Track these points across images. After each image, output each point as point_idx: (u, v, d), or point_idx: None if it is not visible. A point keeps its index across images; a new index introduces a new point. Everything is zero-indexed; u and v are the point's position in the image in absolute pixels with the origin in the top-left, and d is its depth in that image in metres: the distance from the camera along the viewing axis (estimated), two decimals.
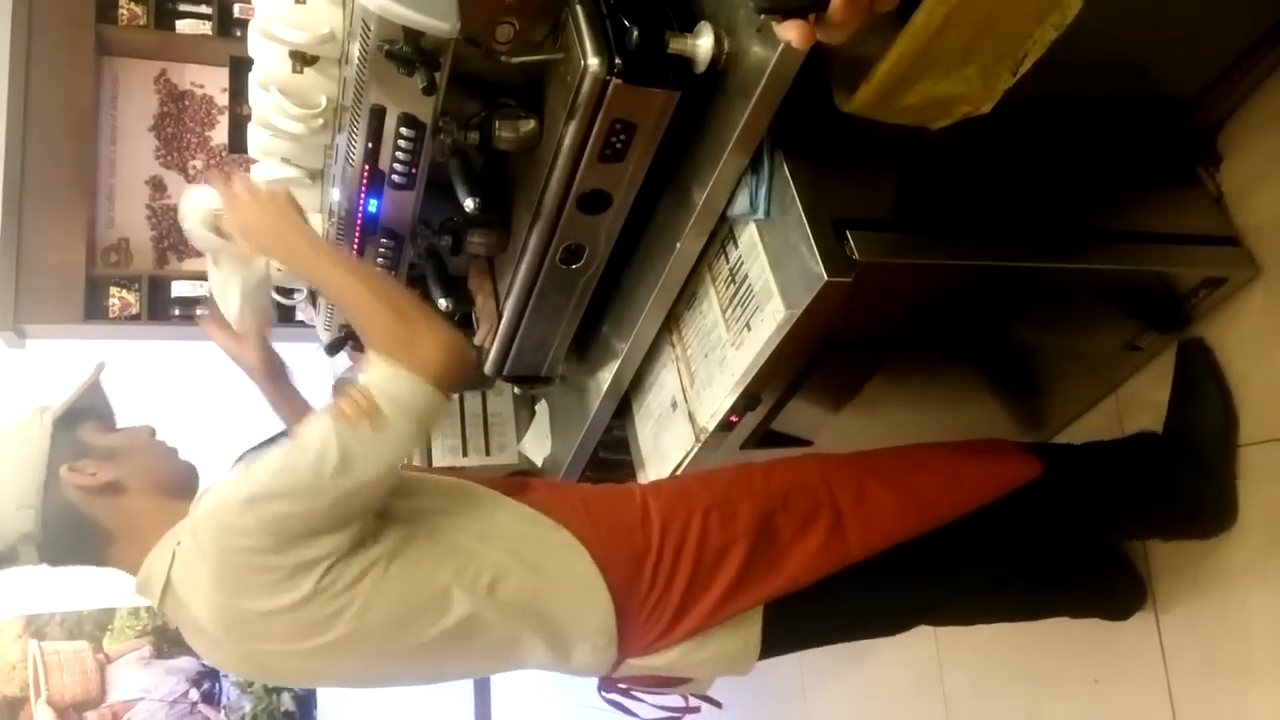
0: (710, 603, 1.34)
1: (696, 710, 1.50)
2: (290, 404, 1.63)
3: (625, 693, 1.45)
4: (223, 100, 4.32)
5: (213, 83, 4.42)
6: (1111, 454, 1.70)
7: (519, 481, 1.49)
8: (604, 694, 1.47)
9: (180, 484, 1.36)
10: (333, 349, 1.87)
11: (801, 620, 1.43)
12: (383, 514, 1.27)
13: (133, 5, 4.29)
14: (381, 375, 1.20)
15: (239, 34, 3.53)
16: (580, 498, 1.44)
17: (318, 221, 1.69)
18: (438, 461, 2.20)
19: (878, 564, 1.41)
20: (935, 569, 1.49)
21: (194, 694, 5.18)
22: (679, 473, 1.64)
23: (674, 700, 1.48)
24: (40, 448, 1.28)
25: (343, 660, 1.27)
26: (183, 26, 4.34)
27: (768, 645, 1.40)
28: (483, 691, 5.06)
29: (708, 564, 1.35)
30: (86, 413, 1.36)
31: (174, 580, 1.25)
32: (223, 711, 5.19)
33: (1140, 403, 1.82)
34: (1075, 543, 1.65)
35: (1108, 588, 1.84)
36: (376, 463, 1.19)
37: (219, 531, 1.20)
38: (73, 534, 1.29)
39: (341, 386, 1.27)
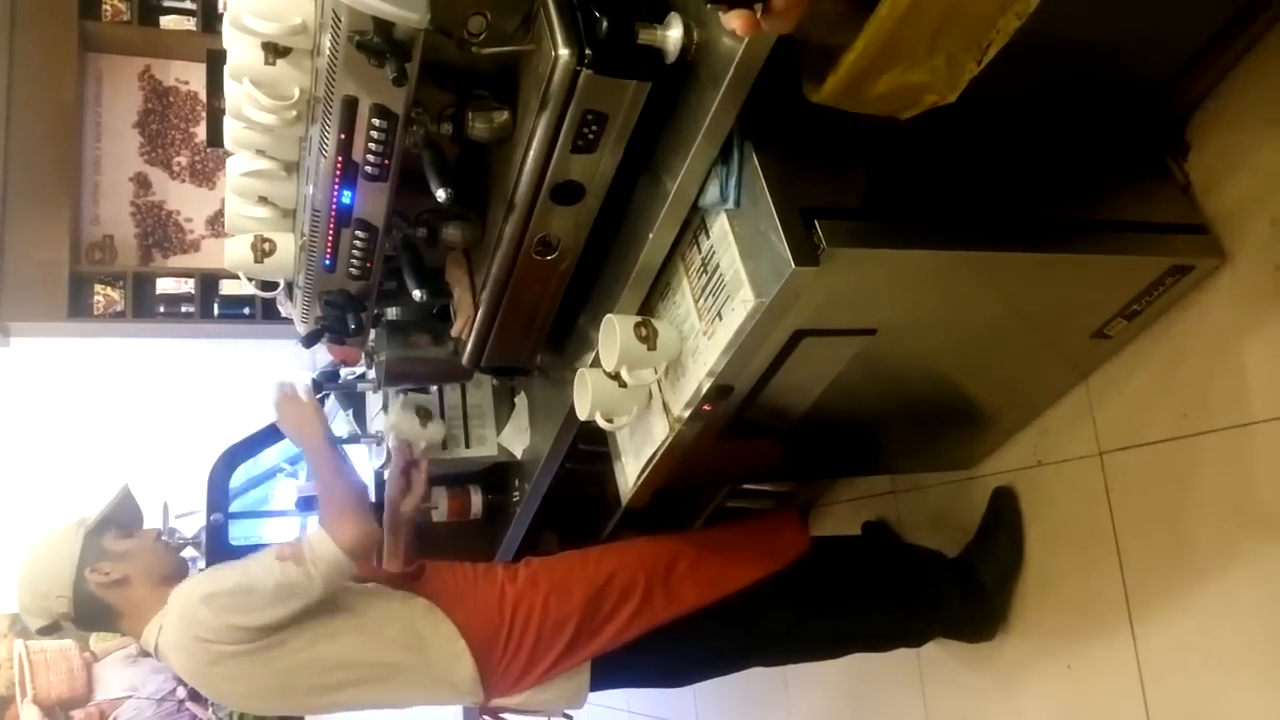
0: (549, 661, 1.86)
1: None
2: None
3: (496, 716, 2.00)
4: (206, 97, 4.31)
5: (197, 79, 4.41)
6: (897, 558, 2.18)
7: (416, 571, 2.00)
8: (482, 716, 2.02)
9: (173, 575, 1.90)
10: (309, 340, 1.88)
11: (621, 669, 1.94)
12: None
13: (116, 1, 4.28)
14: (317, 537, 1.76)
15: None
16: (455, 585, 1.95)
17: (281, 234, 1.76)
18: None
19: (680, 626, 1.91)
20: (726, 627, 1.96)
21: (181, 691, 5.17)
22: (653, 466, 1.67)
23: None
24: (73, 554, 1.84)
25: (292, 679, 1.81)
26: (167, 22, 4.33)
27: (595, 686, 1.92)
28: None
29: (547, 633, 1.87)
30: (111, 522, 1.92)
31: (160, 646, 1.81)
32: (210, 709, 5.19)
33: (1111, 391, 1.84)
34: (841, 616, 2.06)
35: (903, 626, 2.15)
36: (293, 590, 1.73)
37: (187, 619, 1.77)
38: (94, 612, 1.85)
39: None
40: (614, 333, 1.50)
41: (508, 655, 1.86)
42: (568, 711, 2.02)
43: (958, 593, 2.06)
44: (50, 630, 1.88)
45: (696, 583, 1.94)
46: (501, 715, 1.97)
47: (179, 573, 1.93)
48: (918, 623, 2.10)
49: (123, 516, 1.96)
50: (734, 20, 0.85)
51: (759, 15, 0.86)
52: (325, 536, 1.75)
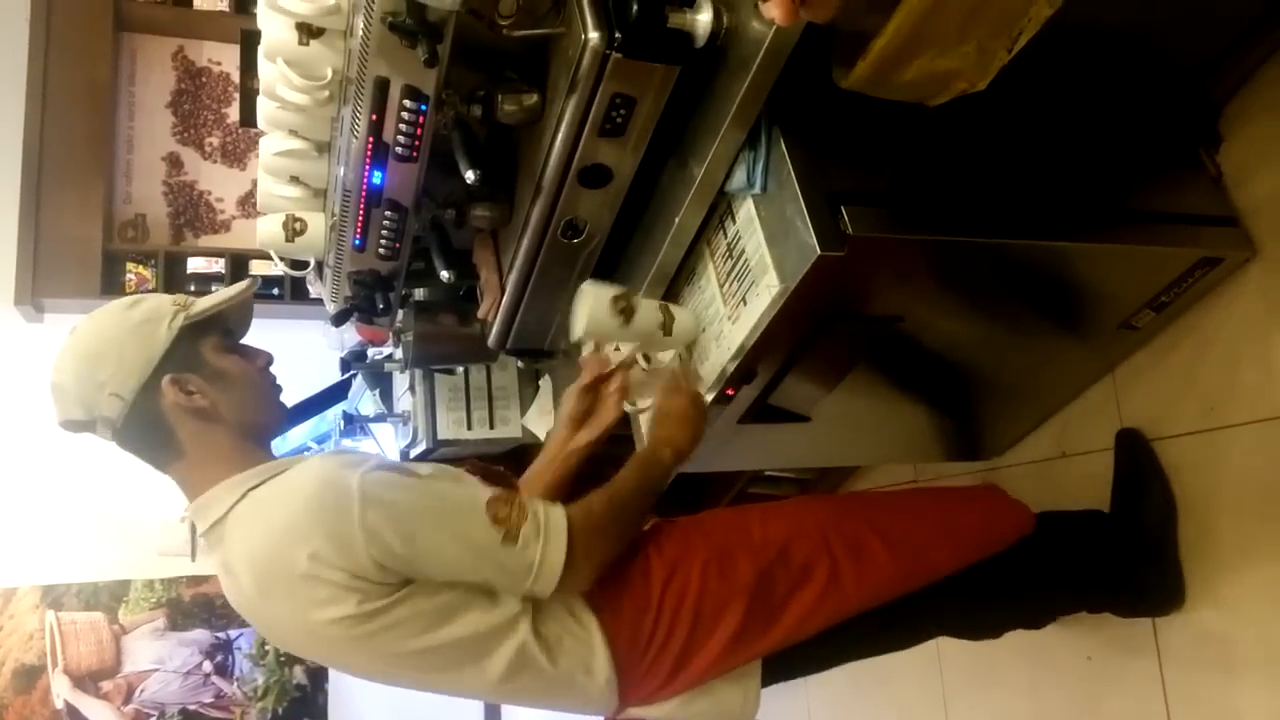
0: (709, 657, 1.36)
1: None
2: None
3: None
4: (239, 77, 4.33)
5: (229, 60, 4.44)
6: (1075, 527, 1.75)
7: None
8: None
9: (268, 428, 1.39)
10: (339, 319, 1.90)
11: (799, 666, 1.48)
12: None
13: None
14: (558, 528, 1.25)
15: (256, 11, 3.58)
16: None
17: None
18: (441, 434, 2.24)
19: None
20: (920, 613, 1.54)
21: (207, 665, 5.25)
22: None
23: None
24: (156, 349, 1.29)
25: (353, 642, 1.26)
26: (200, 3, 4.36)
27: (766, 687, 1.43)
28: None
29: (706, 618, 1.37)
30: (217, 324, 1.37)
31: (232, 518, 1.26)
32: (235, 683, 5.26)
33: (1137, 383, 1.83)
34: (1040, 601, 1.72)
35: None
36: (466, 558, 1.24)
37: (320, 504, 1.20)
38: (149, 436, 1.31)
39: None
40: (587, 302, 1.46)
41: (654, 646, 1.36)
42: None
43: (1136, 555, 1.74)
44: (76, 427, 1.33)
45: (897, 559, 1.47)
46: None
47: (275, 427, 1.43)
48: (1103, 590, 1.76)
49: (233, 322, 1.41)
50: (774, 10, 0.85)
51: (799, 3, 0.86)
52: (565, 538, 1.26)
